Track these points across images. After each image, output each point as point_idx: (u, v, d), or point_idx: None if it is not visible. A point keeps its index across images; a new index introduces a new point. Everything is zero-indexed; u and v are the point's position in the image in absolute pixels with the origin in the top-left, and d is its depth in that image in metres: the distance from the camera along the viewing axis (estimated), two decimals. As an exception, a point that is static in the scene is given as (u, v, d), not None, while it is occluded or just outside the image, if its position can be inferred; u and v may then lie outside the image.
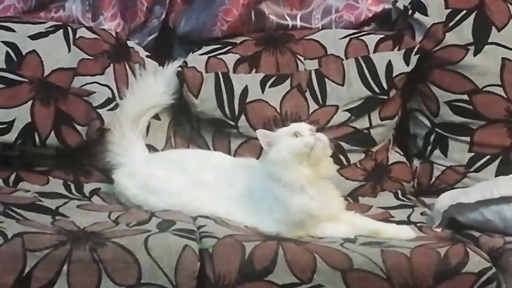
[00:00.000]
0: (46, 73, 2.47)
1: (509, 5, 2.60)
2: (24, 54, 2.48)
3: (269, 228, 2.13)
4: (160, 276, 1.92)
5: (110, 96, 2.45)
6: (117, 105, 2.44)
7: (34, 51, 2.48)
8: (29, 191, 2.33)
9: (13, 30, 2.52)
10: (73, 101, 2.44)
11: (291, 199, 2.12)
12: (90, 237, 1.96)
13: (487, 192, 2.22)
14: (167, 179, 2.26)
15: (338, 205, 2.21)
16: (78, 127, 2.41)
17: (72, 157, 2.46)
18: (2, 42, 2.48)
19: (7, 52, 2.47)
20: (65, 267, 1.89)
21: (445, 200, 2.28)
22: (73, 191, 2.39)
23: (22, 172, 2.43)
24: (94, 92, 2.45)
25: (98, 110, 2.41)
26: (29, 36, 2.51)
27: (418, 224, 2.28)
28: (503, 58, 2.56)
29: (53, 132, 2.40)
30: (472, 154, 2.58)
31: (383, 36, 2.63)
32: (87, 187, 2.43)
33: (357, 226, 2.16)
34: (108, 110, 2.42)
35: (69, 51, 2.51)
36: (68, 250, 1.90)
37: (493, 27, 2.58)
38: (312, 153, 2.11)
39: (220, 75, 2.52)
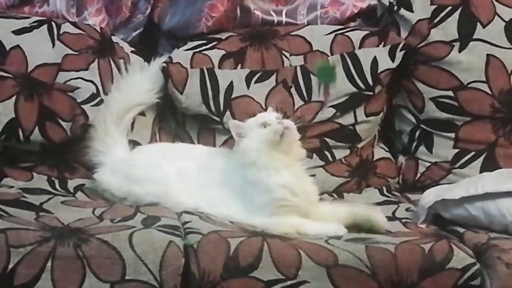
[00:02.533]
0: (30, 68, 2.45)
1: (494, 2, 2.61)
2: (8, 49, 2.46)
3: (253, 216, 2.14)
4: (145, 272, 1.91)
5: (95, 92, 2.44)
6: (101, 101, 2.44)
7: (18, 46, 2.47)
8: (12, 187, 2.32)
9: (-4, 25, 2.51)
10: (57, 96, 2.43)
11: (269, 179, 2.15)
12: (74, 233, 1.95)
13: (471, 188, 2.23)
14: (149, 167, 2.27)
15: (314, 189, 2.23)
16: (62, 123, 2.40)
17: (56, 152, 2.45)
18: (-14, 37, 2.47)
19: (-10, 47, 2.45)
20: (49, 263, 1.88)
21: (430, 196, 2.29)
22: (57, 187, 2.38)
23: (5, 168, 2.41)
24: (79, 88, 2.44)
25: (83, 106, 2.40)
26: (13, 31, 2.50)
27: (403, 220, 2.28)
28: (487, 55, 2.57)
29: (37, 127, 2.39)
30: (457, 150, 2.58)
31: (368, 32, 2.63)
32: (71, 183, 2.41)
33: (335, 214, 2.18)
34: (93, 105, 2.41)
35: (53, 46, 2.50)
36: (52, 246, 1.89)
37: (478, 23, 2.58)
38: (282, 140, 2.16)
39: (205, 71, 2.51)
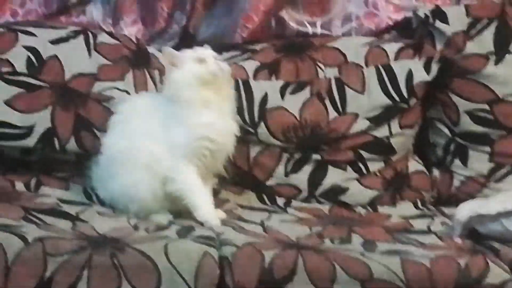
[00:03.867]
0: (66, 78, 2.47)
1: (531, 14, 2.60)
2: (45, 59, 2.48)
3: (171, 155, 2.16)
4: (180, 283, 1.92)
5: (130, 102, 2.46)
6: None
7: (55, 56, 2.49)
8: (49, 196, 2.33)
9: (34, 35, 2.52)
10: (92, 106, 2.44)
11: (192, 116, 2.17)
12: (110, 243, 1.96)
13: (508, 204, 2.21)
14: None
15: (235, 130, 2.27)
16: (98, 133, 2.42)
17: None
18: (23, 46, 2.49)
19: (28, 56, 2.47)
20: (85, 272, 1.89)
21: (465, 210, 2.27)
22: (93, 197, 2.39)
23: (42, 177, 2.43)
24: (114, 98, 2.46)
25: (118, 116, 2.42)
26: (50, 41, 2.52)
27: (439, 234, 2.27)
28: (524, 68, 2.56)
29: (73, 137, 2.41)
30: (493, 164, 2.56)
31: (403, 44, 2.63)
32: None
33: None
34: (128, 115, 2.43)
35: (89, 56, 2.51)
36: (88, 255, 1.91)
37: (515, 36, 2.58)
38: (214, 81, 2.19)
39: (240, 82, 2.52)
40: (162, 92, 2.31)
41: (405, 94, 2.54)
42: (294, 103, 2.52)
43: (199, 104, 2.19)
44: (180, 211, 2.21)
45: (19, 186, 2.37)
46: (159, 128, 2.21)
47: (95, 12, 2.69)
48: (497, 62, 2.57)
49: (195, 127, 2.18)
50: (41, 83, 2.44)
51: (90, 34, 2.56)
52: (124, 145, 2.22)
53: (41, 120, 2.40)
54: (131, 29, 2.68)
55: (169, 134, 2.19)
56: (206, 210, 2.19)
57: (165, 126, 2.20)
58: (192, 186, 2.19)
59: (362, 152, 2.52)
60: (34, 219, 2.09)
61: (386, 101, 2.53)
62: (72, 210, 2.21)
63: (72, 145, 2.41)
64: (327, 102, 2.53)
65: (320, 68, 2.58)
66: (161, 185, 2.19)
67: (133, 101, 2.33)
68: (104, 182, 2.26)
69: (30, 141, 2.40)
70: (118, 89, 2.47)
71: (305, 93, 2.54)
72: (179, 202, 2.20)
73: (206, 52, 2.26)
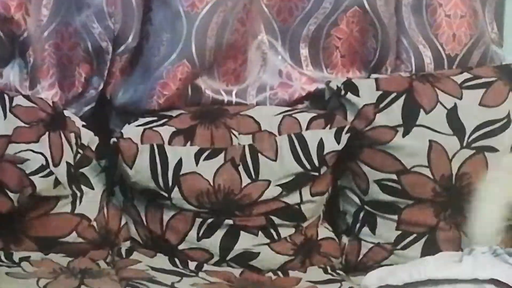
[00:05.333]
0: (-20, 139, 2.46)
1: (436, 90, 2.69)
2: (-42, 120, 2.47)
3: None
4: None
5: (44, 163, 2.45)
6: (50, 173, 2.45)
7: (-31, 117, 2.48)
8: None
9: None
10: (6, 167, 2.43)
11: None
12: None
13: (415, 273, 2.25)
14: None
15: None
16: (10, 194, 2.40)
17: (3, 223, 2.44)
18: None
19: None
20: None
21: (372, 279, 2.30)
22: (2, 258, 2.36)
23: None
24: (28, 160, 2.45)
25: (31, 177, 2.41)
26: (-36, 102, 2.51)
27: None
28: (430, 140, 2.64)
29: (-16, 198, 2.39)
30: (399, 232, 2.63)
31: (315, 114, 2.69)
32: (17, 255, 2.40)
33: None
34: (41, 177, 2.42)
35: (4, 118, 2.51)
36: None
37: (421, 110, 2.66)
38: None
39: (155, 147, 2.55)
40: None
41: (316, 163, 2.59)
42: (208, 168, 2.56)
43: None
44: None
45: None
46: None
47: (12, 76, 2.68)
48: (404, 134, 2.65)
49: None
50: (-46, 144, 2.43)
51: (6, 97, 2.55)
52: None
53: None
54: (48, 93, 2.68)
55: None
56: None
57: None
58: None
59: (274, 218, 2.56)
60: None
61: (298, 168, 2.58)
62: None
63: (-17, 205, 2.39)
64: (241, 168, 2.57)
65: (235, 135, 2.63)
66: None
67: None
68: None
69: None
70: (32, 151, 2.47)
71: (219, 160, 2.57)
72: None
73: None
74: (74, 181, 2.53)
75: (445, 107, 2.66)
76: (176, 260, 2.52)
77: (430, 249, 2.57)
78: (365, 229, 2.66)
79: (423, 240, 2.62)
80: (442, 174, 2.62)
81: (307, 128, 2.64)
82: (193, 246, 2.53)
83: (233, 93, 2.77)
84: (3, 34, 2.59)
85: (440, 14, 2.80)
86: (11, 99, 2.55)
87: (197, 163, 2.56)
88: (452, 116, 2.65)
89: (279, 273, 2.53)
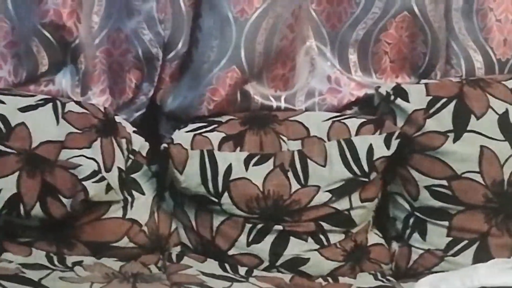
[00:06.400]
0: (34, 145, 2.50)
1: (487, 95, 2.67)
2: (13, 126, 2.51)
3: None
4: None
5: (96, 169, 2.48)
6: (102, 178, 2.47)
7: (23, 123, 2.52)
8: (12, 262, 2.33)
9: (3, 102, 2.55)
10: (59, 173, 2.47)
11: None
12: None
13: (467, 281, 2.24)
14: None
15: None
16: (63, 199, 2.44)
17: (56, 228, 2.48)
18: (-8, 113, 2.52)
19: (-4, 123, 2.50)
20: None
21: (425, 285, 2.30)
22: (56, 262, 2.39)
23: (5, 242, 2.43)
24: (81, 165, 2.48)
25: (84, 182, 2.44)
26: (18, 109, 2.55)
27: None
28: (481, 146, 2.62)
29: (38, 203, 2.42)
30: (450, 238, 2.61)
31: (365, 120, 2.69)
32: (70, 260, 2.43)
33: None
34: (93, 182, 2.45)
35: (57, 124, 2.54)
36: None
37: (472, 115, 2.64)
38: None
39: (205, 153, 2.56)
40: None
41: (366, 168, 2.59)
42: (257, 174, 2.56)
43: None
44: None
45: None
46: None
47: (64, 82, 2.72)
48: (455, 140, 2.63)
49: None
50: (8, 150, 2.46)
51: (58, 103, 2.59)
52: None
53: (7, 186, 2.41)
54: (99, 99, 2.72)
55: None
56: None
57: None
58: None
59: (323, 223, 2.56)
60: (-4, 285, 2.10)
61: (348, 174, 2.58)
62: (35, 276, 2.21)
63: (37, 210, 2.42)
64: (290, 174, 2.58)
65: (283, 141, 2.63)
66: None
67: None
68: None
69: (-5, 206, 2.41)
70: (85, 156, 2.50)
71: (269, 165, 2.58)
72: None
73: None
74: (125, 186, 2.56)
75: (496, 113, 2.64)
76: (226, 265, 2.53)
77: (482, 256, 2.55)
78: (415, 235, 2.65)
79: (475, 246, 2.59)
80: (494, 179, 2.60)
81: (356, 134, 2.64)
82: (243, 251, 2.54)
83: (282, 98, 2.78)
84: (55, 41, 2.63)
85: (490, 18, 2.78)
86: (63, 105, 2.59)
87: (246, 169, 2.57)
88: (504, 122, 2.63)
89: (329, 279, 2.53)
